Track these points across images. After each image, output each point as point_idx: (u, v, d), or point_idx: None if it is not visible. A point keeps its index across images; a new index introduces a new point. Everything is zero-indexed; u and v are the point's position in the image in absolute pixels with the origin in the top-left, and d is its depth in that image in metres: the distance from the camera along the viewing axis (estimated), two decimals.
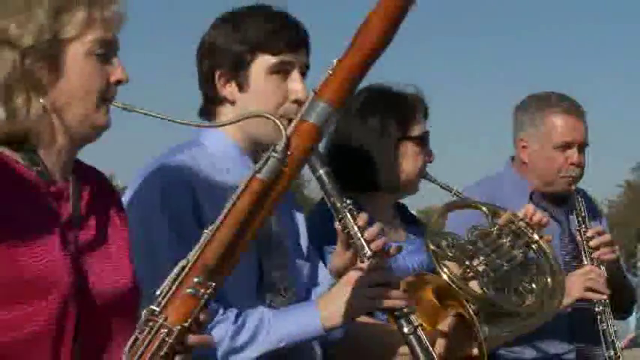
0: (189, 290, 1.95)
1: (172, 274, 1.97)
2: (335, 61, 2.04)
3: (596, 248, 3.82)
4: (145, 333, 1.94)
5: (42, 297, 1.99)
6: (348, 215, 2.64)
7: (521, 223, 3.28)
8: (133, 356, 1.93)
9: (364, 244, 2.61)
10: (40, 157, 2.10)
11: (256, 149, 2.73)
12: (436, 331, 2.94)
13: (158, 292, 1.96)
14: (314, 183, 2.77)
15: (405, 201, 3.57)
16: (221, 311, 2.57)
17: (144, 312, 1.96)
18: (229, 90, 2.75)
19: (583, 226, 3.87)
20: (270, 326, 2.60)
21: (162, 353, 1.93)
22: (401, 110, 3.33)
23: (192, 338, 1.98)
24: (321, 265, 2.98)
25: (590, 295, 3.72)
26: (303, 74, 2.75)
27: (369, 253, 2.60)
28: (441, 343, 2.91)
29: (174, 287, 1.96)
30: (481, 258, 3.10)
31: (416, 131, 3.33)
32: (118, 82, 2.14)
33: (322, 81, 2.05)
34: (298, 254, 2.91)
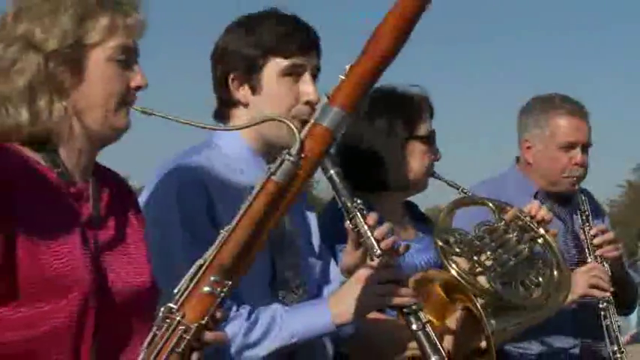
0: (206, 289, 1.96)
1: (190, 273, 1.98)
2: (347, 67, 2.07)
3: (600, 246, 3.86)
4: (163, 330, 1.96)
5: (63, 295, 2.02)
6: (359, 215, 2.68)
7: (527, 219, 3.31)
8: (151, 352, 1.95)
9: (374, 242, 2.65)
10: (60, 159, 2.14)
11: (269, 150, 2.76)
12: (444, 326, 2.97)
13: (176, 291, 1.98)
14: (322, 183, 2.79)
15: (413, 200, 3.60)
16: (234, 308, 2.59)
17: (162, 309, 1.97)
18: (243, 93, 2.78)
19: (587, 224, 3.91)
20: (282, 323, 2.62)
21: (179, 349, 1.94)
22: (407, 110, 3.36)
23: (208, 335, 1.99)
24: (332, 262, 3.01)
25: (594, 291, 3.75)
26: (315, 76, 2.78)
27: (378, 251, 2.64)
28: (449, 337, 2.95)
29: (191, 286, 1.97)
30: (488, 253, 3.12)
31: (422, 130, 3.36)
32: (138, 88, 2.18)
33: (335, 86, 2.08)
34: (310, 252, 2.94)
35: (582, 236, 3.92)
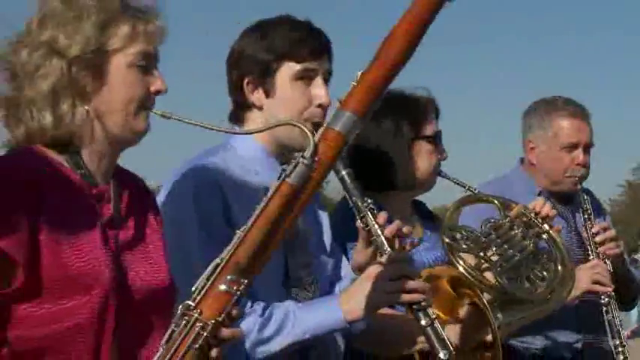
0: (222, 287, 1.99)
1: (207, 272, 2.01)
2: (359, 73, 2.11)
3: (602, 243, 3.92)
4: (181, 326, 1.98)
5: (85, 292, 2.07)
6: (369, 214, 2.73)
7: (532, 215, 3.36)
8: (170, 348, 1.97)
9: (384, 240, 2.70)
10: (83, 161, 2.19)
11: (282, 152, 2.81)
12: (452, 320, 3.01)
13: (193, 289, 2.01)
14: (332, 184, 2.83)
15: (420, 199, 3.62)
16: (249, 304, 2.63)
17: (180, 307, 2.00)
18: (257, 96, 2.83)
19: (589, 222, 3.97)
20: (295, 319, 2.66)
21: (197, 346, 1.96)
22: (413, 111, 3.40)
23: (225, 332, 2.02)
24: (344, 260, 3.05)
25: (596, 287, 3.81)
26: (326, 80, 2.84)
27: (388, 249, 2.69)
28: (456, 331, 2.99)
29: (208, 284, 1.99)
30: (494, 249, 3.16)
31: (428, 131, 3.40)
32: (157, 92, 2.23)
33: (347, 92, 2.12)
34: (322, 250, 2.98)
35: (584, 234, 3.98)
